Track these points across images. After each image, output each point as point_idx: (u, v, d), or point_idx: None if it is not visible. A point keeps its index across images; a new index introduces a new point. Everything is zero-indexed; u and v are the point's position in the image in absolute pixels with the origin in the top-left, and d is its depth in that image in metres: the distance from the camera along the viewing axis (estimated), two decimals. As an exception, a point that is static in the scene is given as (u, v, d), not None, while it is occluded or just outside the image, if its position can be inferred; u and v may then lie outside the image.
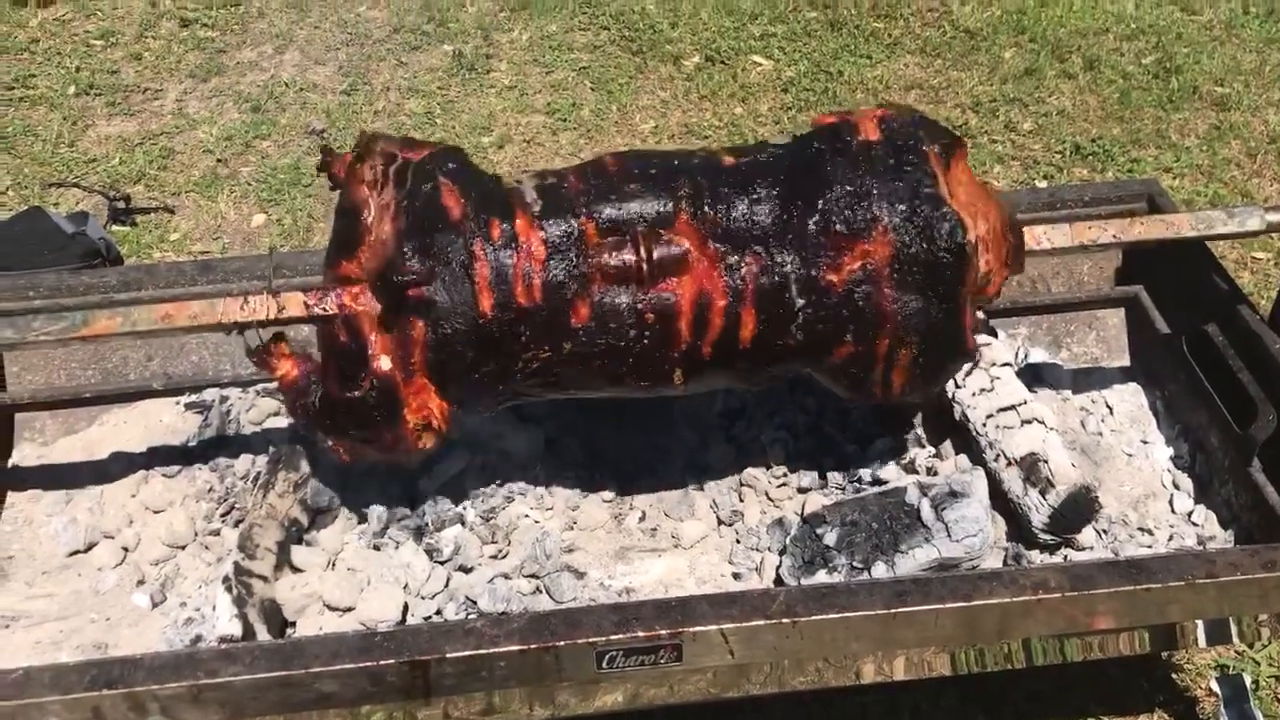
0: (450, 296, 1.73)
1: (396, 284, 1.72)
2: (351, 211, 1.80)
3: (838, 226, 1.76)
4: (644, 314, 1.76)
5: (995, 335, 2.27)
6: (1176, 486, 2.22)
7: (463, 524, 2.09)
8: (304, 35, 5.08)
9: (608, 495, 2.18)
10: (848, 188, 1.77)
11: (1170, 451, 2.28)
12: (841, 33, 4.99)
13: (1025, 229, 1.95)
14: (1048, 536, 2.02)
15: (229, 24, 5.18)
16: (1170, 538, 2.12)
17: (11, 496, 2.24)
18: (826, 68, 4.76)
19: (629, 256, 1.75)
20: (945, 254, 1.75)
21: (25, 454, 2.32)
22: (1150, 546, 2.09)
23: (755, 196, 1.79)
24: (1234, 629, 1.91)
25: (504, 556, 2.06)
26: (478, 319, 1.74)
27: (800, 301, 1.78)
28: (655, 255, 1.75)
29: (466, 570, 2.02)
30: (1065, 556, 2.03)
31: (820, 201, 1.78)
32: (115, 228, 3.91)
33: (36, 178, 4.19)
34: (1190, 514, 2.16)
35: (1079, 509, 1.99)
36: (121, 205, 3.95)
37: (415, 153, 1.85)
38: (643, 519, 2.15)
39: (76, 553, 2.15)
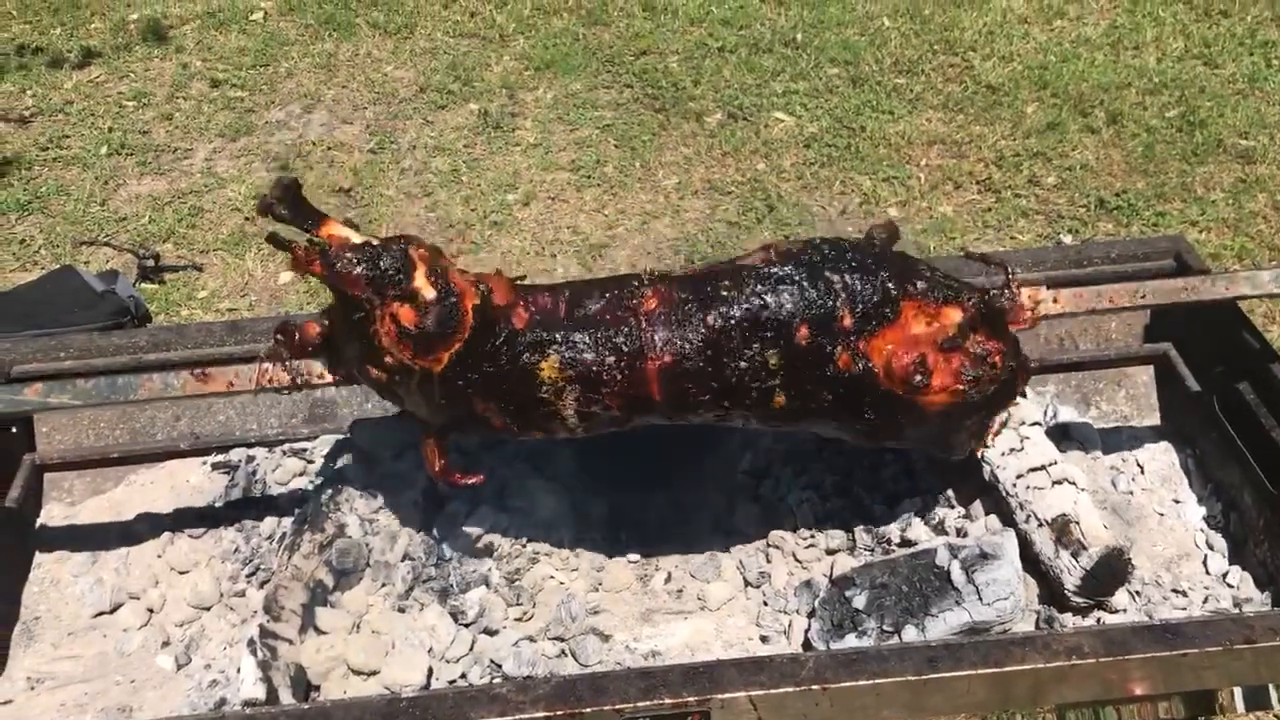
0: None
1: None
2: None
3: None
4: None
5: (1024, 394, 2.25)
6: (1210, 547, 2.18)
7: (487, 585, 2.08)
8: (331, 95, 5.16)
9: (633, 556, 2.17)
10: None
11: (1203, 511, 2.25)
12: (863, 89, 5.03)
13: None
14: (1080, 599, 1.99)
15: (258, 84, 5.27)
16: (1205, 599, 2.08)
17: (39, 557, 2.25)
18: (849, 123, 4.79)
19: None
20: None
21: (53, 514, 2.33)
22: (1184, 609, 2.06)
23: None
24: (1273, 695, 1.87)
25: (529, 619, 2.05)
26: None
27: None
28: None
29: (491, 633, 2.00)
30: (1098, 619, 2.00)
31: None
32: (144, 285, 3.96)
33: (68, 236, 4.26)
34: (1225, 575, 2.12)
35: (1112, 571, 1.96)
36: (151, 263, 4.01)
37: (430, 359, 1.71)
38: (668, 580, 2.13)
39: (102, 614, 2.15)
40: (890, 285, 1.76)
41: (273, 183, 1.71)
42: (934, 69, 5.17)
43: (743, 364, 1.73)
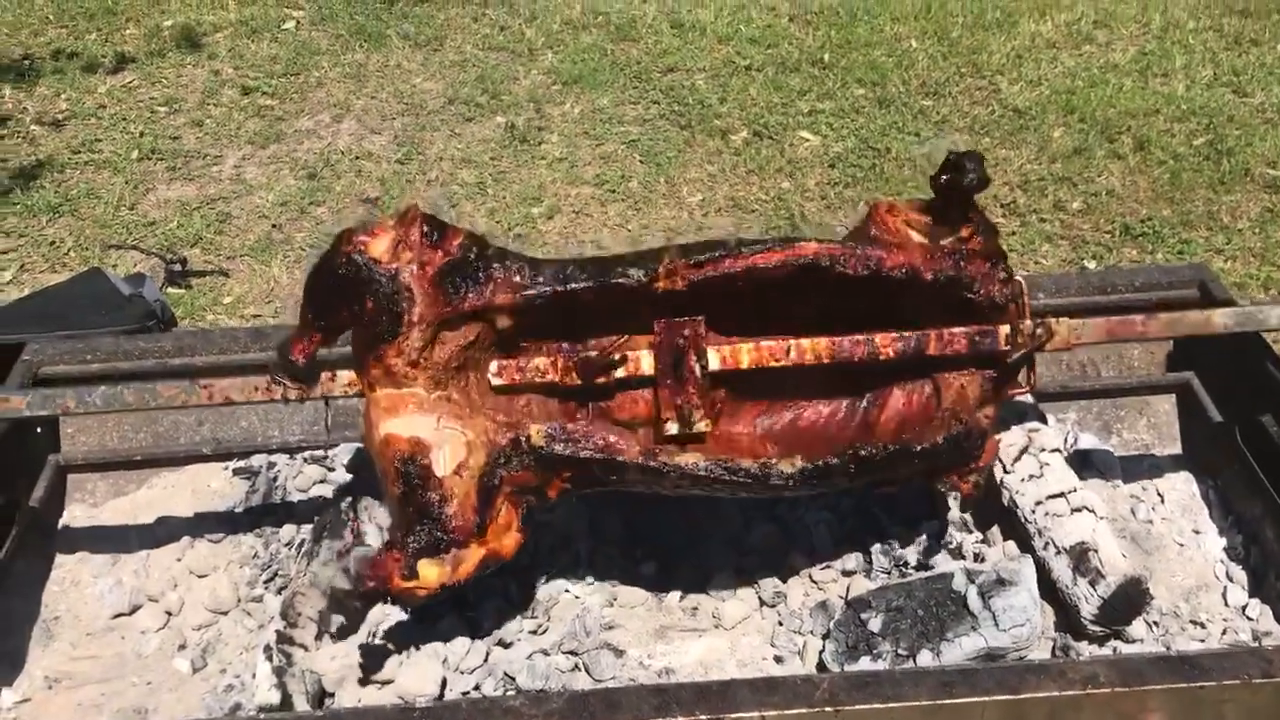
0: None
1: None
2: None
3: None
4: None
5: (1045, 420, 2.25)
6: (1230, 579, 2.17)
7: (503, 597, 2.09)
8: (361, 105, 5.20)
9: (649, 571, 2.16)
10: None
11: (1223, 542, 2.23)
12: (890, 110, 5.03)
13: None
14: (1097, 628, 1.98)
15: (288, 93, 5.31)
16: (1224, 631, 2.07)
17: (60, 557, 2.27)
18: (874, 144, 4.79)
19: None
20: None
21: (75, 515, 2.35)
22: (1203, 640, 2.04)
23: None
24: (1292, 731, 1.85)
25: (543, 632, 2.05)
26: None
27: None
28: None
29: (506, 645, 2.01)
30: (1115, 648, 1.99)
31: None
32: (171, 290, 3.99)
33: (97, 239, 4.30)
34: (1244, 608, 2.11)
35: (1130, 601, 1.95)
36: (178, 268, 4.04)
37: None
38: (683, 597, 2.13)
39: (120, 615, 2.17)
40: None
41: (343, 594, 1.90)
42: (961, 91, 5.17)
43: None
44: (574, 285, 1.81)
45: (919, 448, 1.86)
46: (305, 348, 1.82)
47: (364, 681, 1.93)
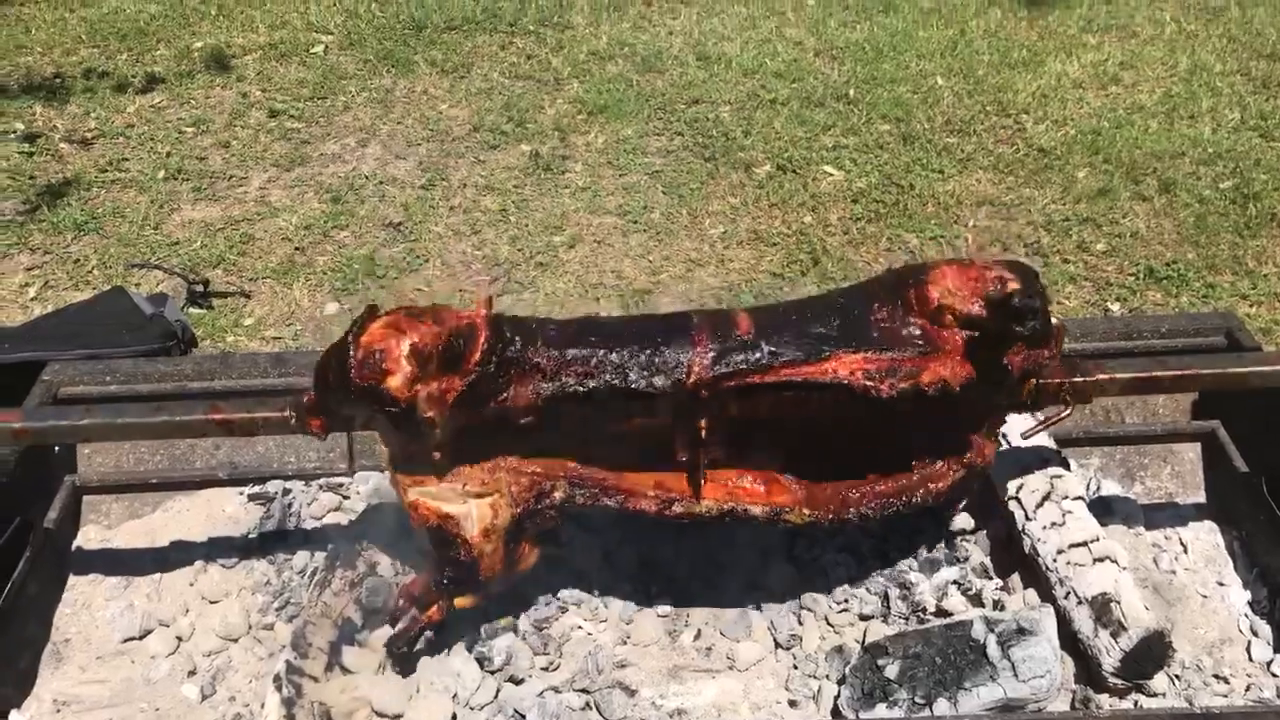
0: None
1: None
2: None
3: None
4: None
5: (1067, 466, 2.22)
6: (1255, 633, 2.13)
7: (515, 633, 2.07)
8: (386, 130, 5.22)
9: (663, 610, 2.14)
10: None
11: (1248, 595, 2.20)
12: (914, 146, 5.02)
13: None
14: (1118, 680, 1.94)
15: (315, 116, 5.34)
16: (1247, 687, 2.03)
17: (72, 579, 2.26)
18: (898, 180, 4.78)
19: None
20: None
21: (89, 536, 2.34)
22: (1226, 696, 2.00)
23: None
24: (1316, 792, 1.82)
25: (555, 669, 2.03)
26: None
27: None
28: None
29: (517, 682, 1.99)
30: (1136, 702, 1.96)
31: None
32: (193, 310, 4.00)
33: (121, 258, 4.32)
34: (1269, 663, 2.07)
35: (1152, 654, 1.92)
36: (200, 289, 4.05)
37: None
38: (698, 637, 2.11)
39: (131, 639, 2.16)
40: None
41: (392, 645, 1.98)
42: (986, 130, 5.15)
43: None
44: (595, 386, 1.79)
45: (922, 499, 1.92)
46: (324, 425, 1.84)
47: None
